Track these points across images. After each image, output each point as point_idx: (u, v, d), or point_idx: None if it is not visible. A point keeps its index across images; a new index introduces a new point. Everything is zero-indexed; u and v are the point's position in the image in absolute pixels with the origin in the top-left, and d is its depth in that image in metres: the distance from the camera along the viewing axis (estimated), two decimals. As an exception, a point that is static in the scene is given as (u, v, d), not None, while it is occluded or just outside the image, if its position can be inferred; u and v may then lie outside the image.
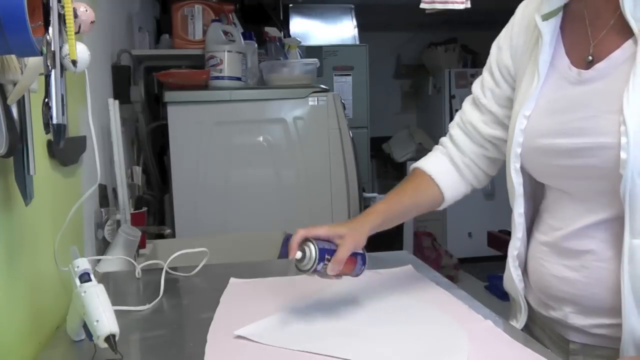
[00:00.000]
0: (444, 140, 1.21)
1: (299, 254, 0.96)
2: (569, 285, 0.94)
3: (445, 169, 1.17)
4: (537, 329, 1.07)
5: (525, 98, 0.98)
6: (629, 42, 0.85)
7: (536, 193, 1.04)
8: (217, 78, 2.35)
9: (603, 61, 0.88)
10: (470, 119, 1.14)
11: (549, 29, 0.96)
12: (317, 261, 0.96)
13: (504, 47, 1.09)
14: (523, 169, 1.00)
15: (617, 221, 0.86)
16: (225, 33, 2.43)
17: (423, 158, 1.21)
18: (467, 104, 1.17)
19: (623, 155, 0.81)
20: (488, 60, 1.13)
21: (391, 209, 1.11)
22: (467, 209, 4.74)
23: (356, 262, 1.03)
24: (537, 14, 0.97)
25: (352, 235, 1.00)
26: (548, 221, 0.99)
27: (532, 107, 0.96)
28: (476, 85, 1.15)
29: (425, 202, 1.16)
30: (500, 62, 1.09)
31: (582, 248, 0.91)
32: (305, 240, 0.97)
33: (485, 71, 1.14)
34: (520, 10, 1.08)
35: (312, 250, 0.96)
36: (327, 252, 0.97)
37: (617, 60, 0.86)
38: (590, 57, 0.90)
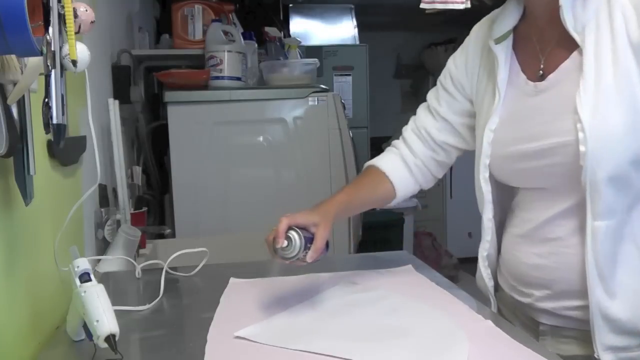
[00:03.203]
0: (396, 142, 1.30)
1: (285, 243, 1.01)
2: (539, 271, 1.04)
3: (398, 168, 1.27)
4: (509, 314, 1.16)
5: (489, 114, 1.09)
6: (575, 53, 0.98)
7: (503, 197, 1.14)
8: (217, 78, 2.35)
9: (553, 73, 1.01)
10: (425, 124, 1.25)
11: (503, 51, 1.08)
12: (301, 250, 1.01)
13: (459, 66, 1.20)
14: (491, 178, 1.11)
15: (577, 208, 0.97)
16: (225, 33, 2.43)
17: (376, 157, 1.29)
18: (421, 110, 1.28)
19: (582, 148, 0.91)
20: (444, 73, 1.24)
21: (350, 200, 1.20)
22: (467, 209, 4.74)
23: (326, 249, 1.08)
24: (490, 39, 1.10)
25: (326, 225, 1.07)
26: (521, 215, 1.09)
27: (496, 121, 1.08)
28: (432, 95, 1.26)
29: (380, 197, 1.26)
30: (455, 78, 1.21)
31: (551, 236, 1.02)
32: (289, 229, 1.02)
33: (439, 82, 1.25)
34: (474, 32, 1.20)
35: (297, 240, 1.01)
36: (308, 240, 1.03)
37: (567, 69, 0.99)
38: (541, 72, 1.03)
